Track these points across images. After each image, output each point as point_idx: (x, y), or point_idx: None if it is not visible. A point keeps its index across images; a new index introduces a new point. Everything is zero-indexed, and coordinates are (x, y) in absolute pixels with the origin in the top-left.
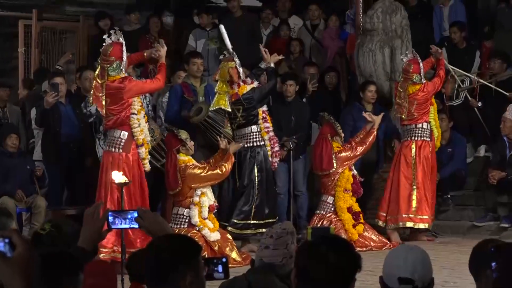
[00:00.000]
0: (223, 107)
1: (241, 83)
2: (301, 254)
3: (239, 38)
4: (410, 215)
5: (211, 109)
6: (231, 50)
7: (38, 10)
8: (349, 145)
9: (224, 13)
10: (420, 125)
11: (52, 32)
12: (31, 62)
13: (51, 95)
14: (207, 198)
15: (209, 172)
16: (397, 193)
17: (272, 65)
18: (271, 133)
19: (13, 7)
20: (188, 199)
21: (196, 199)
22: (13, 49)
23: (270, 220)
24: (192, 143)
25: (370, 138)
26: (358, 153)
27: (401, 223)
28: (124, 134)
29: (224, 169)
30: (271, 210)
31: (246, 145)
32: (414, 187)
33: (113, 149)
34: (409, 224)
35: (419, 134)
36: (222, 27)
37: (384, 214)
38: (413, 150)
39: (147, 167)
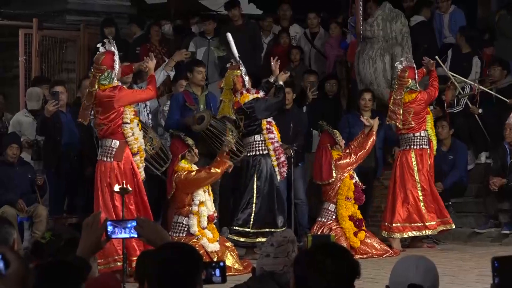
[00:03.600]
0: (227, 115)
1: (244, 92)
2: (299, 262)
3: (240, 46)
4: (417, 224)
5: (218, 116)
6: (238, 58)
7: (39, 19)
8: (348, 150)
9: (225, 22)
10: (418, 134)
11: (53, 41)
12: (31, 71)
13: (51, 104)
14: (206, 208)
15: (196, 174)
16: (396, 202)
17: (281, 83)
18: (276, 144)
19: (14, 16)
20: (186, 207)
21: (195, 208)
22: (13, 58)
23: (271, 230)
24: (196, 150)
25: (370, 142)
26: (357, 158)
27: (407, 233)
28: (116, 143)
29: (212, 171)
30: (272, 220)
31: (248, 154)
32: (420, 194)
33: (105, 158)
34: (416, 233)
35: (418, 143)
36: (229, 35)
37: (387, 224)
38: (413, 159)
39: (142, 175)
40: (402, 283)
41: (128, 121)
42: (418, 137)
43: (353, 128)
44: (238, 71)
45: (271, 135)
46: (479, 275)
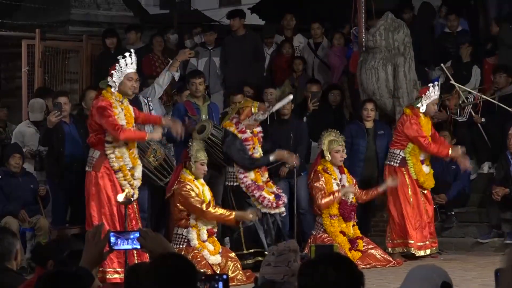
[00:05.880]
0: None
1: (233, 122)
2: (302, 272)
3: (242, 56)
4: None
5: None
6: (271, 110)
7: (41, 30)
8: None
9: (227, 32)
10: (392, 150)
11: (55, 52)
12: (34, 82)
13: (54, 114)
14: (203, 221)
15: (195, 202)
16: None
17: (272, 158)
18: (248, 182)
19: (16, 27)
20: (184, 220)
21: (193, 222)
22: (16, 69)
23: (257, 250)
24: (205, 168)
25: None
26: (319, 201)
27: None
28: (96, 153)
29: (210, 211)
30: (258, 239)
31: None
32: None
33: (87, 168)
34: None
35: (389, 159)
36: (291, 97)
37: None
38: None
39: (129, 191)
40: (433, 279)
41: (111, 140)
42: (392, 153)
43: (355, 138)
44: (256, 109)
45: (241, 176)
46: (482, 285)
